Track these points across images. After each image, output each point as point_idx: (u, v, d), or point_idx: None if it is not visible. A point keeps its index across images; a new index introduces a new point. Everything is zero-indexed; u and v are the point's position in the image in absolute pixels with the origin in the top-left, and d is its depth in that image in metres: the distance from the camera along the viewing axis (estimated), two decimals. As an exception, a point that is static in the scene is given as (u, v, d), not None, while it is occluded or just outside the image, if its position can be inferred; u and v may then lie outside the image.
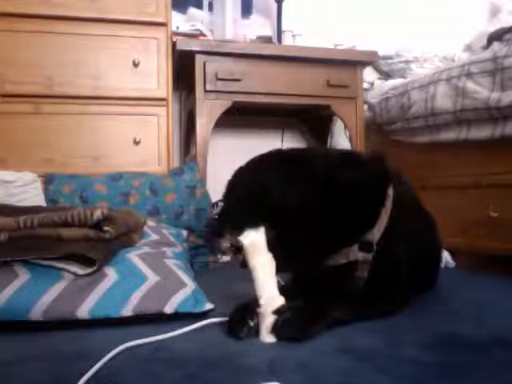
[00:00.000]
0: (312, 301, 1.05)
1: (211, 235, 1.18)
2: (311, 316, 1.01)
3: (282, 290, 1.02)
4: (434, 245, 1.40)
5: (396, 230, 1.15)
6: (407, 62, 2.72)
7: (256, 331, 0.99)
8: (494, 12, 2.70)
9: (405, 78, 2.63)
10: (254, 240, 1.02)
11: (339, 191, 1.11)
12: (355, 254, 1.13)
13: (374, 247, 1.13)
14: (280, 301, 1.00)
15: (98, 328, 1.06)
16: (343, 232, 1.12)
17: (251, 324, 0.99)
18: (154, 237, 1.49)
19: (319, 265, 1.14)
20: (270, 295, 1.00)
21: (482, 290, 1.50)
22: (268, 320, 0.97)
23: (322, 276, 1.15)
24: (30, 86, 2.00)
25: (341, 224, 1.11)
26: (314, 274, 1.16)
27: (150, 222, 1.63)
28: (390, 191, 1.17)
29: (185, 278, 1.22)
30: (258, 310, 0.99)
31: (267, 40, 2.41)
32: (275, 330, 0.96)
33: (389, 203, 1.16)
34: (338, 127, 2.69)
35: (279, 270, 1.03)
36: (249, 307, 1.02)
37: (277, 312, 0.98)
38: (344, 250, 1.13)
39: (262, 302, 0.99)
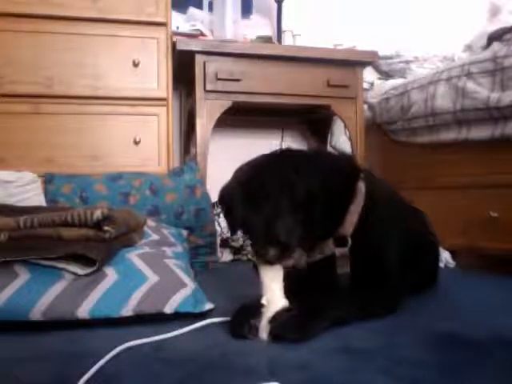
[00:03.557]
0: (308, 301, 1.05)
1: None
2: (309, 318, 1.01)
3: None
4: (424, 236, 1.41)
5: (375, 223, 1.16)
6: (407, 62, 2.72)
7: (257, 331, 0.99)
8: (494, 12, 2.69)
9: (405, 78, 2.63)
10: None
11: (307, 189, 1.09)
12: (330, 248, 1.14)
13: (349, 241, 1.14)
14: (281, 303, 1.00)
15: (98, 328, 1.06)
16: (316, 228, 1.12)
17: (254, 324, 0.99)
18: (154, 237, 1.49)
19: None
20: (271, 297, 1.00)
21: (482, 289, 1.50)
22: (267, 322, 0.98)
23: (302, 273, 1.15)
24: (29, 86, 2.00)
25: (312, 221, 1.10)
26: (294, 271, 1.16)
27: (150, 222, 1.63)
28: (362, 186, 1.18)
29: (185, 278, 1.22)
30: (261, 309, 0.99)
31: (267, 40, 2.41)
32: (273, 332, 0.96)
33: (360, 197, 1.16)
34: (338, 127, 2.69)
35: None
36: (252, 307, 1.02)
37: (276, 314, 0.98)
38: (318, 245, 1.15)
39: (263, 302, 1.00)
